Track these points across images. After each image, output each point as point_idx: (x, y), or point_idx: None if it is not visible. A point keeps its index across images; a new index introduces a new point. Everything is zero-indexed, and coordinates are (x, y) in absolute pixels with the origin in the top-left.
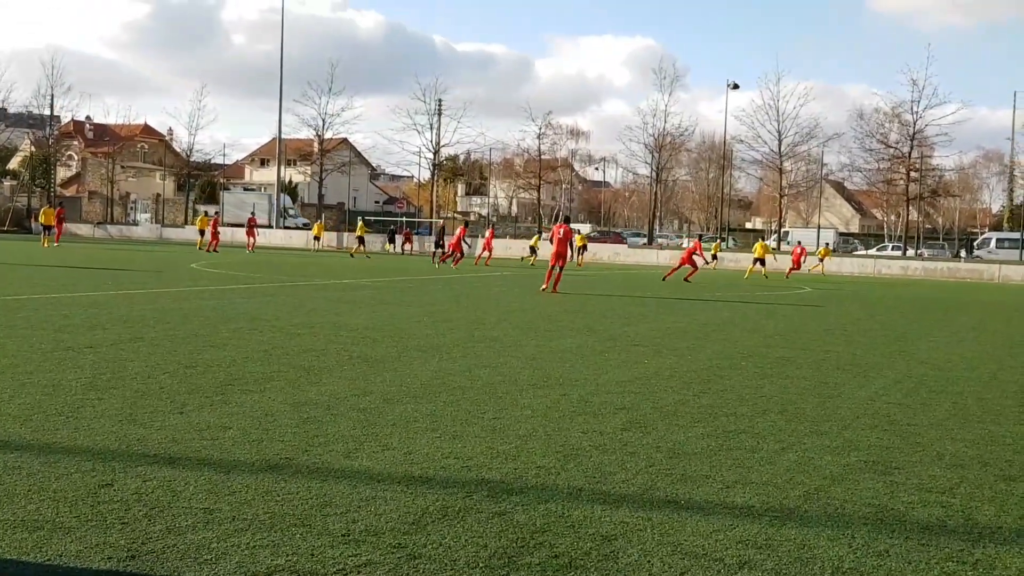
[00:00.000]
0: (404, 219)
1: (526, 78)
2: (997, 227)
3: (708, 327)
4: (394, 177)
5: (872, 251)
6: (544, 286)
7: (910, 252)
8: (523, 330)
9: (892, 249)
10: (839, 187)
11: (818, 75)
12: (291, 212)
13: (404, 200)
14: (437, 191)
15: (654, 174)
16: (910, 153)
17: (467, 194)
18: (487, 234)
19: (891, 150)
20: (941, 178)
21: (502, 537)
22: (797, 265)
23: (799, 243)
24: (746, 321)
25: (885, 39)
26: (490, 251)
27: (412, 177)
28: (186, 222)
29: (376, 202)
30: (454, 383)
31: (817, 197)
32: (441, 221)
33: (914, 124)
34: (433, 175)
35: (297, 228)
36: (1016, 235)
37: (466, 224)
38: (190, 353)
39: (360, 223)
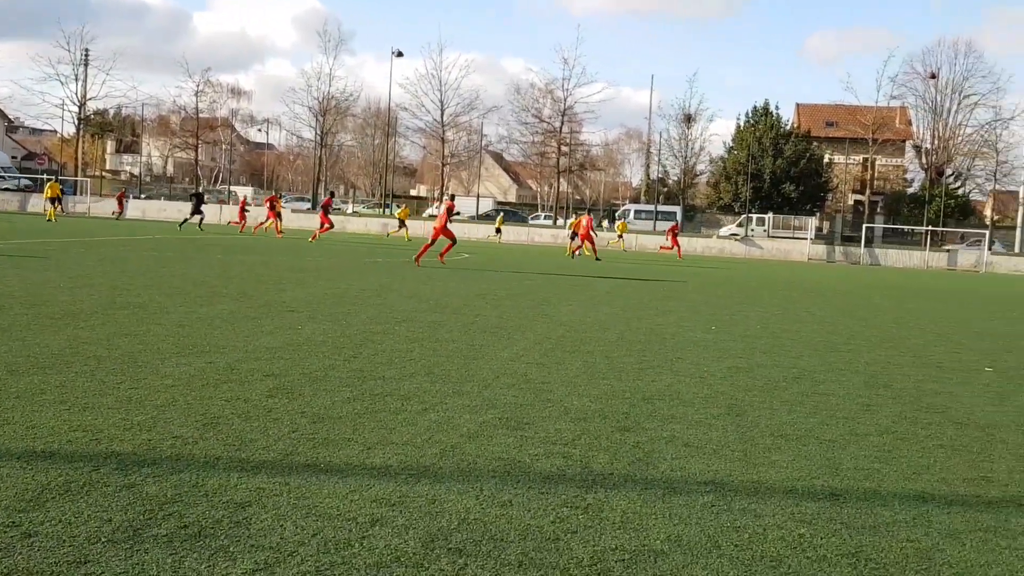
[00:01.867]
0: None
1: (183, 31)
2: (636, 199)
3: (366, 292)
4: (35, 131)
5: (529, 219)
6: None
7: (560, 221)
8: (171, 296)
9: (544, 218)
10: (498, 158)
11: (480, 48)
12: None
13: (46, 156)
14: (83, 147)
15: (319, 138)
16: (561, 128)
17: (117, 151)
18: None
19: (544, 124)
20: (588, 153)
21: (129, 510)
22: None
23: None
24: (404, 286)
25: (542, 17)
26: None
27: (55, 131)
28: None
29: (14, 157)
30: (90, 352)
31: (477, 167)
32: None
33: (565, 101)
34: (79, 130)
35: None
36: (651, 207)
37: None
38: None
39: (53, 182)
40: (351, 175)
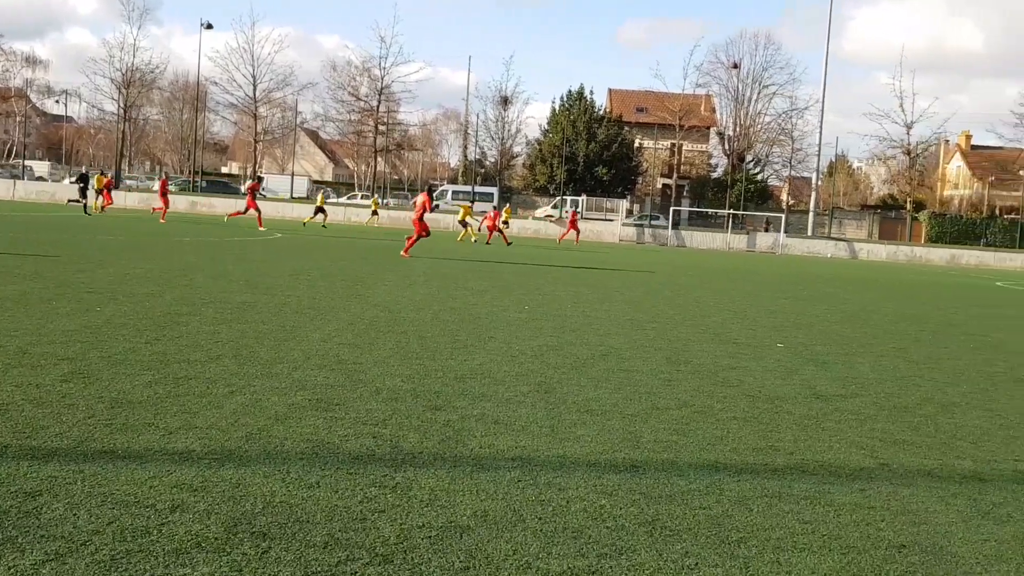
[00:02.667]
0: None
1: None
2: (454, 180)
3: (171, 272)
4: None
5: (343, 199)
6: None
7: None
8: None
9: (361, 198)
10: (314, 136)
11: (294, 22)
12: None
13: None
14: None
15: (122, 111)
16: (378, 107)
17: None
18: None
19: (361, 103)
20: (406, 132)
21: None
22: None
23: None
24: (213, 267)
25: None
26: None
27: None
28: None
29: None
30: None
31: (292, 145)
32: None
33: (382, 79)
34: None
35: None
36: (468, 188)
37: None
38: None
39: None
40: (158, 151)
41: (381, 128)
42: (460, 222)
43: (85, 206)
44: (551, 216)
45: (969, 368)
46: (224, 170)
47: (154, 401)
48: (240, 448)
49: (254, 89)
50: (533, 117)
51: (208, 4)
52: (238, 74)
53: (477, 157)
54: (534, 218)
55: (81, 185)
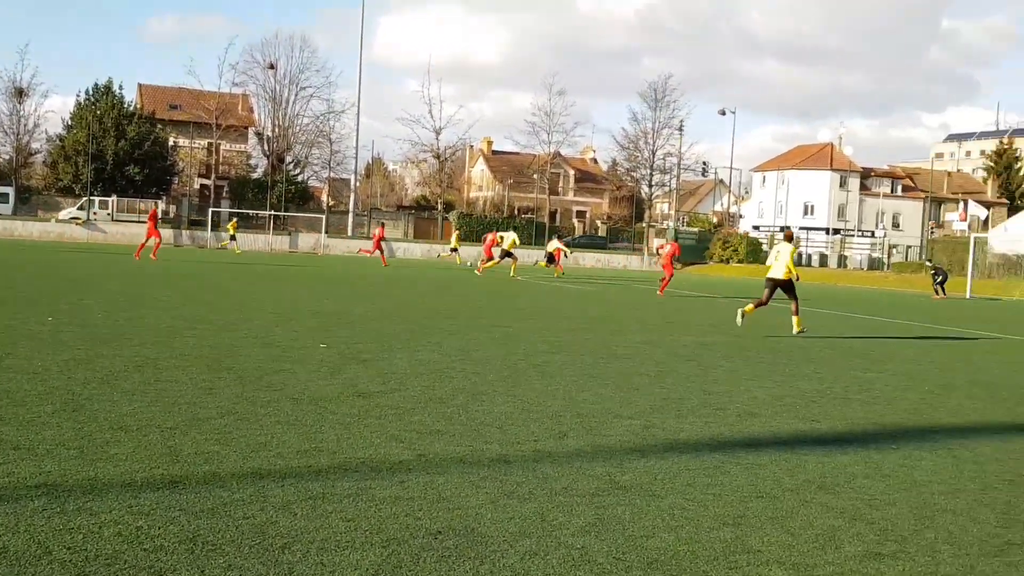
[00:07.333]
0: None
1: None
2: None
3: None
4: None
5: None
6: None
7: None
8: None
9: None
10: None
11: None
12: None
13: None
14: None
15: None
16: None
17: None
18: None
19: None
20: None
21: None
22: None
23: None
24: None
25: None
26: None
27: None
28: None
29: None
30: None
31: None
32: None
33: None
34: None
35: None
36: None
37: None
38: None
39: None
40: None
41: None
42: None
43: None
44: (77, 219)
45: (495, 358)
46: None
47: None
48: None
49: None
50: (54, 111)
51: None
52: None
53: None
54: (57, 220)
55: None
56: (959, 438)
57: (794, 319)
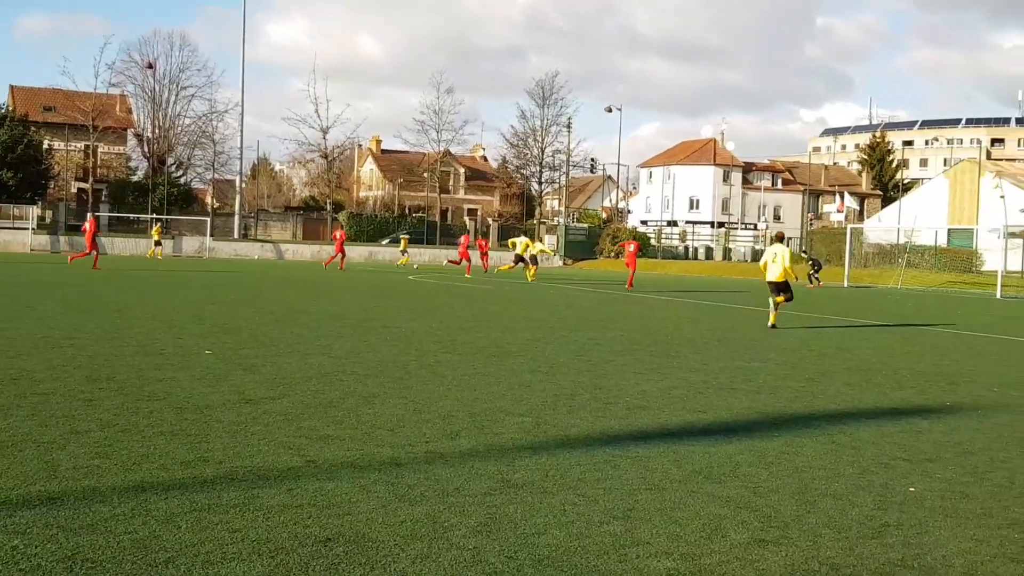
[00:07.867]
0: None
1: None
2: None
3: None
4: None
5: None
6: None
7: None
8: None
9: None
10: None
11: None
12: None
13: None
14: None
15: None
16: None
17: None
18: None
19: None
20: None
21: None
22: None
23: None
24: None
25: None
26: None
27: None
28: None
29: None
30: None
31: None
32: None
33: None
34: None
35: None
36: None
37: None
38: None
39: None
40: None
41: None
42: None
43: None
44: None
45: (387, 359)
46: None
47: None
48: None
49: None
50: None
51: None
52: None
53: None
54: None
55: None
56: (838, 424)
57: (772, 314)
